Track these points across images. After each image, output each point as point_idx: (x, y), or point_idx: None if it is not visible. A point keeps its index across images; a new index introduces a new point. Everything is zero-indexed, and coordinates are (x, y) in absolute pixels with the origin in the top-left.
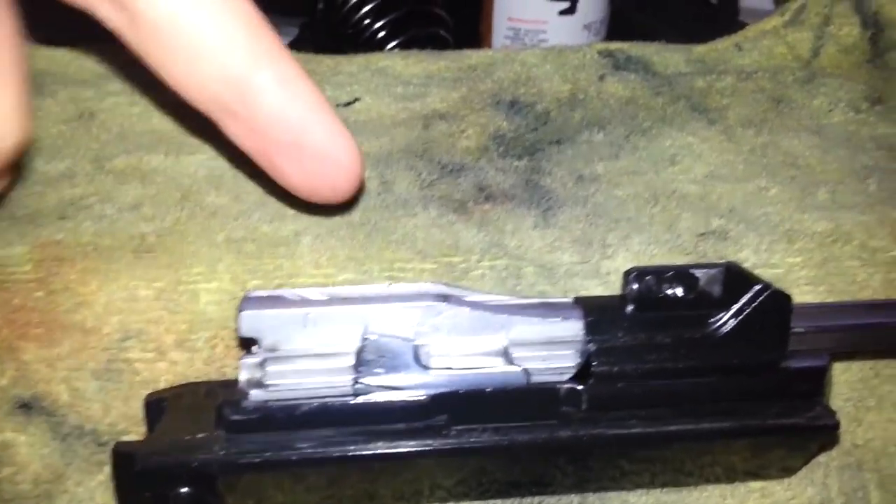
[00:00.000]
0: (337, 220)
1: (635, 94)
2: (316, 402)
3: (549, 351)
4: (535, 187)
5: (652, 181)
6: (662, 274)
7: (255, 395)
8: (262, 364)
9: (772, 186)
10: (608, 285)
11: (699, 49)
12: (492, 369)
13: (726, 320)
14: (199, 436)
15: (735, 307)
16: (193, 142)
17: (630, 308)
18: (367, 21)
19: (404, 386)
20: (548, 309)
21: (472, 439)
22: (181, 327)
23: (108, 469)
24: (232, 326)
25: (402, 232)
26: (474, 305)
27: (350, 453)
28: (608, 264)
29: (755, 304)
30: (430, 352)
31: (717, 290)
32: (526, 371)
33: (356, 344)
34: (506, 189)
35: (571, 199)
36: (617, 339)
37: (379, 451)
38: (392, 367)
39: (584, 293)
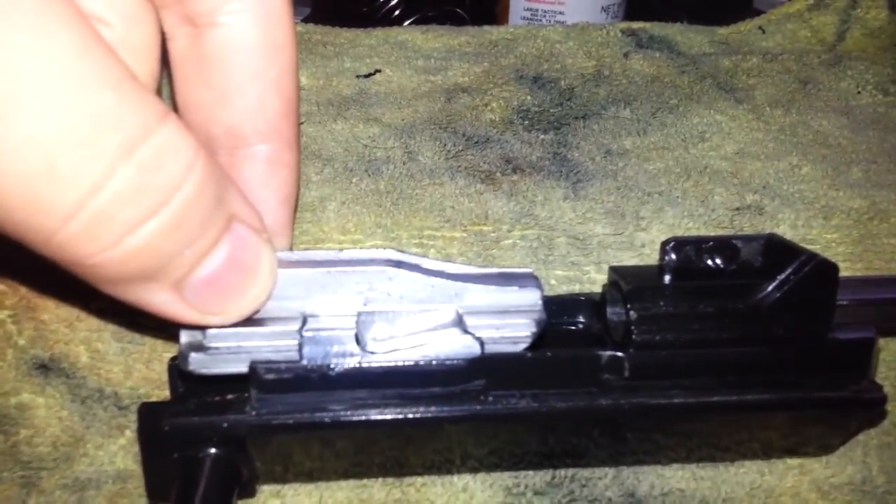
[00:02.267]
0: (362, 188)
1: (661, 71)
2: (351, 363)
3: (504, 320)
4: (563, 160)
5: (682, 157)
6: (702, 244)
7: (195, 358)
8: (202, 327)
9: (804, 164)
10: (643, 257)
11: (722, 31)
12: (443, 339)
13: (771, 290)
14: (229, 396)
15: (780, 277)
16: None
17: (668, 278)
18: None
19: (347, 353)
20: (505, 278)
21: (510, 405)
22: None
23: (129, 433)
24: None
25: (429, 200)
26: (427, 272)
27: (384, 416)
28: (643, 236)
29: (801, 273)
30: (376, 328)
31: (758, 261)
32: (480, 340)
33: (302, 308)
34: (533, 161)
35: (601, 172)
36: (658, 307)
37: (414, 415)
38: (336, 339)
39: (616, 263)
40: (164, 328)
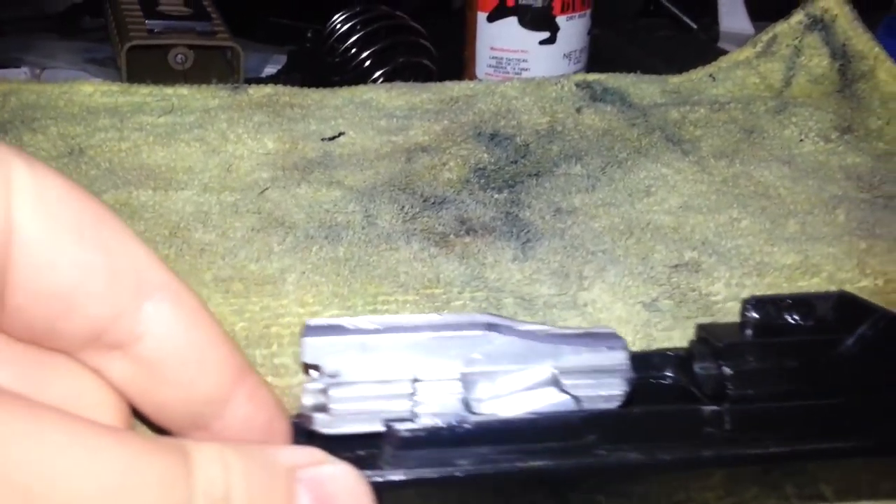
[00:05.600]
0: (322, 257)
1: (611, 125)
2: (474, 420)
3: (597, 379)
4: (515, 220)
5: (627, 213)
6: (781, 302)
7: (320, 419)
8: (324, 390)
9: (743, 217)
10: (585, 316)
11: (674, 79)
12: (542, 397)
13: (850, 345)
14: (360, 453)
15: (858, 332)
16: (181, 178)
17: (749, 333)
18: (353, 50)
19: (455, 412)
20: (591, 338)
21: (620, 457)
22: None
23: None
24: None
25: (385, 266)
26: (522, 334)
27: (509, 469)
28: (585, 296)
29: (877, 328)
30: (480, 388)
31: (830, 315)
32: (577, 398)
33: (412, 371)
34: (486, 222)
35: (549, 231)
36: (748, 363)
37: (535, 467)
38: (444, 399)
39: (561, 324)
40: None
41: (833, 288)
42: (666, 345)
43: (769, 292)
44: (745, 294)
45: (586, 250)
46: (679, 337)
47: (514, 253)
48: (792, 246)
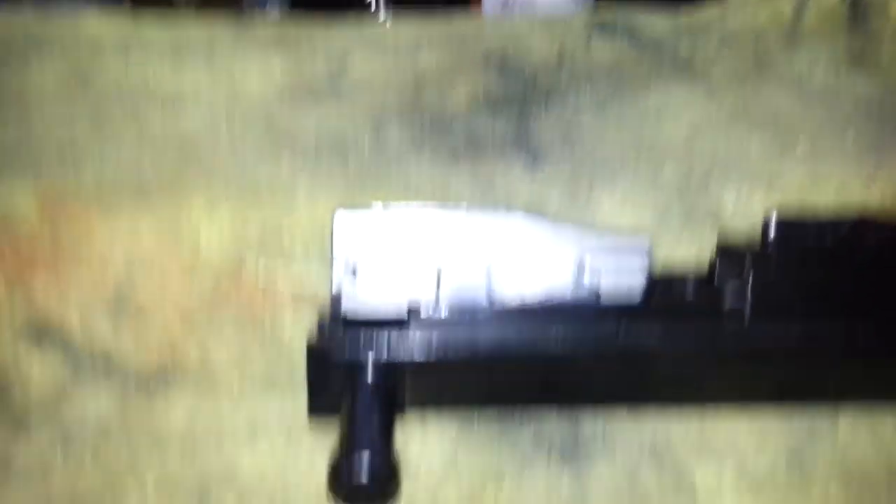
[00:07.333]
0: (331, 169)
1: (621, 57)
2: (496, 306)
3: (618, 263)
4: (524, 141)
5: (637, 134)
6: (801, 219)
7: (348, 306)
8: (352, 275)
9: (753, 139)
10: (595, 226)
11: (684, 16)
12: (564, 288)
13: (865, 257)
14: (386, 335)
15: (873, 246)
16: (190, 102)
17: (768, 247)
18: None
19: (472, 299)
20: (615, 234)
21: (639, 342)
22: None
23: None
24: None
25: (395, 179)
26: (551, 222)
27: (531, 352)
28: (594, 206)
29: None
30: (503, 273)
31: (848, 234)
32: (598, 289)
33: (438, 258)
34: (495, 141)
35: (558, 150)
36: (767, 273)
37: (554, 351)
38: (466, 287)
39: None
40: None
41: (840, 202)
42: (675, 254)
43: (778, 206)
44: (755, 207)
45: (595, 166)
46: (687, 246)
47: (522, 170)
48: (800, 163)
